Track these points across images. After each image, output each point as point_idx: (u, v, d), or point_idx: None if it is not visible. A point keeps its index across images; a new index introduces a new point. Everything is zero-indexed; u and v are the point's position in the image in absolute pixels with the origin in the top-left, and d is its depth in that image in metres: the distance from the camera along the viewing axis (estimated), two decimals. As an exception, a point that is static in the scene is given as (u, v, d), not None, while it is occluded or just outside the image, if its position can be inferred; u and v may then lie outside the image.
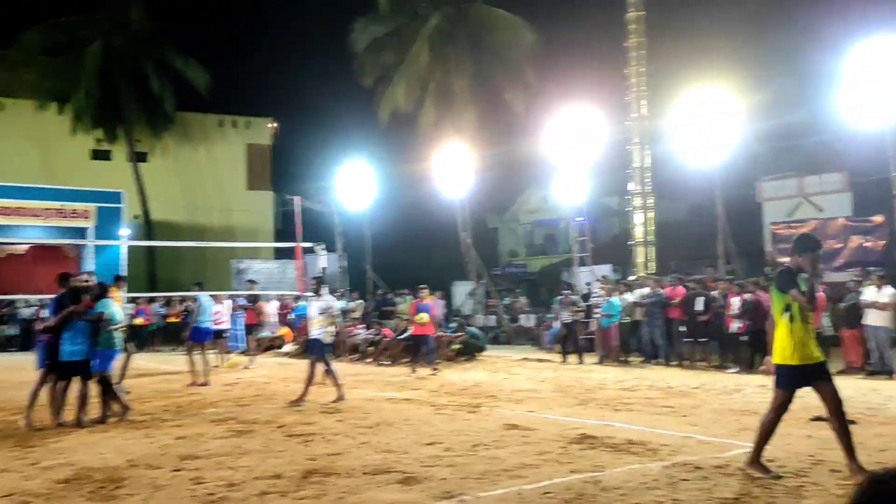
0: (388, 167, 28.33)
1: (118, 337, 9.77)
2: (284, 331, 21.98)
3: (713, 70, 21.77)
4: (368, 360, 18.07)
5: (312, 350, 11.33)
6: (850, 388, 11.55)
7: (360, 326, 19.91)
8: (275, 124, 39.21)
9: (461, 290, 28.34)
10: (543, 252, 37.95)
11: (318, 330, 11.18)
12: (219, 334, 17.02)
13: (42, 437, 8.44)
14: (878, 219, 20.45)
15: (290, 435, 8.32)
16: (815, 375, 6.04)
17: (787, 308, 5.98)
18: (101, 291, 9.86)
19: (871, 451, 6.99)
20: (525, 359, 17.80)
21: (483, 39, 27.98)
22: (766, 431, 6.07)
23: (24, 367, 13.30)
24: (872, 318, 13.22)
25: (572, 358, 16.92)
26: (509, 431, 8.28)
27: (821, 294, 14.25)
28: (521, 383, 13.28)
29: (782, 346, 6.07)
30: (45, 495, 5.89)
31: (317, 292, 11.53)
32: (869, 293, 13.45)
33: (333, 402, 10.75)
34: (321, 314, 11.24)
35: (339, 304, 11.67)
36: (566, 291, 18.59)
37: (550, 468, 6.48)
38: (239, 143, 38.01)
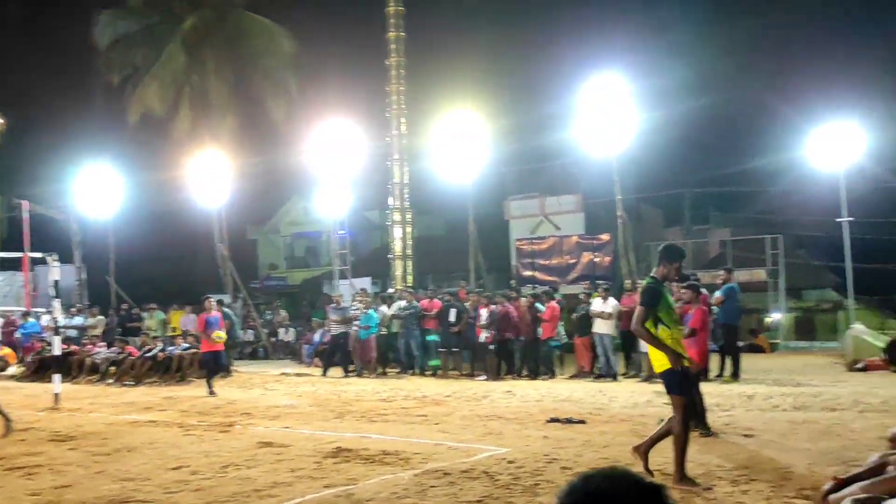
0: (137, 173, 26.33)
1: None
2: (7, 351, 19.61)
3: (467, 93, 23.09)
4: (110, 380, 16.63)
5: None
6: (581, 390, 12.77)
7: (101, 344, 18.27)
8: (1, 120, 34.86)
9: (217, 304, 27.16)
10: (304, 265, 37.58)
11: None
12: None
13: None
14: (605, 237, 22.87)
15: (10, 468, 7.39)
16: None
17: (659, 320, 6.19)
18: None
19: (597, 447, 7.74)
20: (284, 374, 17.44)
21: (243, 45, 27.17)
22: (683, 442, 6.10)
23: None
24: (599, 327, 14.70)
25: (334, 371, 16.89)
26: (262, 449, 8.05)
27: (555, 305, 15.62)
28: (278, 399, 12.99)
29: (663, 354, 6.18)
30: None
31: None
32: (596, 304, 14.95)
33: None
34: None
35: None
36: (338, 299, 18.38)
37: (303, 485, 6.39)
38: (-45, 139, 33.28)
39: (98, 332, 19.54)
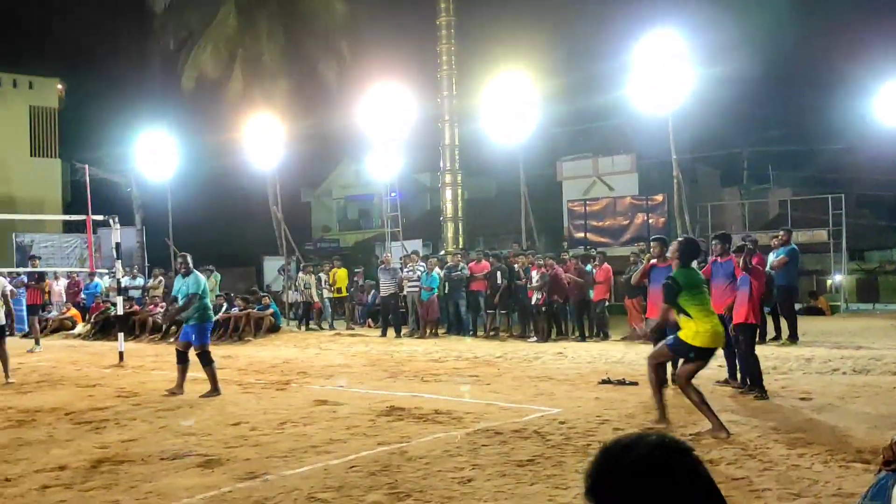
0: (192, 136, 26.79)
1: None
2: (73, 311, 20.35)
3: (518, 53, 22.71)
4: (171, 339, 17.15)
5: None
6: (632, 352, 12.68)
7: (162, 304, 18.84)
8: (62, 86, 35.79)
9: (272, 266, 27.67)
10: (357, 227, 37.94)
11: None
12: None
13: None
14: (659, 197, 22.42)
15: (79, 422, 7.73)
16: None
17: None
18: None
19: (649, 408, 7.68)
20: (338, 334, 17.75)
21: (295, 7, 27.19)
22: (701, 399, 6.56)
23: None
24: (653, 288, 14.49)
25: (391, 331, 17.04)
26: (318, 407, 8.23)
27: (607, 266, 15.46)
28: (332, 358, 13.24)
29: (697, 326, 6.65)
30: None
31: None
32: (651, 265, 14.70)
33: None
34: None
35: (5, 282, 11.15)
36: (391, 260, 18.52)
37: (358, 442, 6.54)
38: (20, 105, 34.34)
39: (159, 292, 20.12)
